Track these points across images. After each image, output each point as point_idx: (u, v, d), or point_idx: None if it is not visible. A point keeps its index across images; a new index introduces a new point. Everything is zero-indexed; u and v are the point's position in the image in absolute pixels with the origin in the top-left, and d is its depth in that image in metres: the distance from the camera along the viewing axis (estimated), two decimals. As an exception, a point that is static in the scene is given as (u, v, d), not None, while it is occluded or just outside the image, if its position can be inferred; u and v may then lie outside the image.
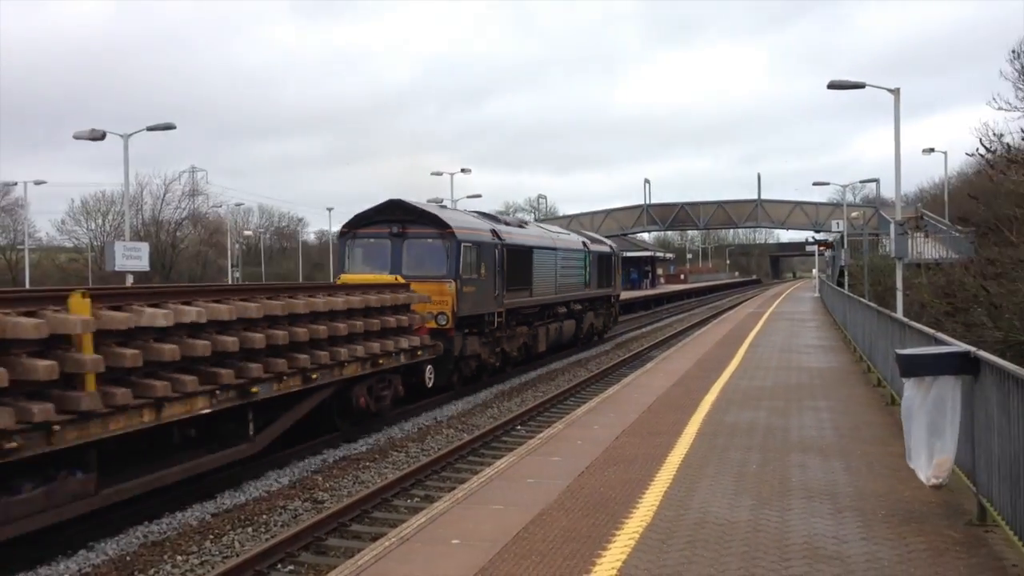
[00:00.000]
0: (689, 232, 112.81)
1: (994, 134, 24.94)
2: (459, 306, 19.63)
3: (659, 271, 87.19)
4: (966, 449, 7.34)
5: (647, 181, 68.13)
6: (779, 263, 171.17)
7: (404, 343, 16.32)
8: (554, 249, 27.28)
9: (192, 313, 10.43)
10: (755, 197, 66.02)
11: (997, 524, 6.45)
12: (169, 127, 29.68)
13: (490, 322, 21.51)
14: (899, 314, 16.31)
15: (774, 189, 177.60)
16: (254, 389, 11.71)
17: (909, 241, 26.38)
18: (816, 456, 9.59)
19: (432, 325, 18.70)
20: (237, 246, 77.13)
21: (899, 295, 20.25)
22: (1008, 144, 20.69)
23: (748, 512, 7.39)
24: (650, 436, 10.89)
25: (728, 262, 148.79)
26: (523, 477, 8.94)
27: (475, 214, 24.65)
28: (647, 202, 67.52)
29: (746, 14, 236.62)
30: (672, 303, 66.80)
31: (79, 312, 8.89)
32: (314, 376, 13.17)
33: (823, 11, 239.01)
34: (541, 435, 11.48)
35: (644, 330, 41.65)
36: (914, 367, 7.09)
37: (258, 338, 11.61)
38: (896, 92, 20.13)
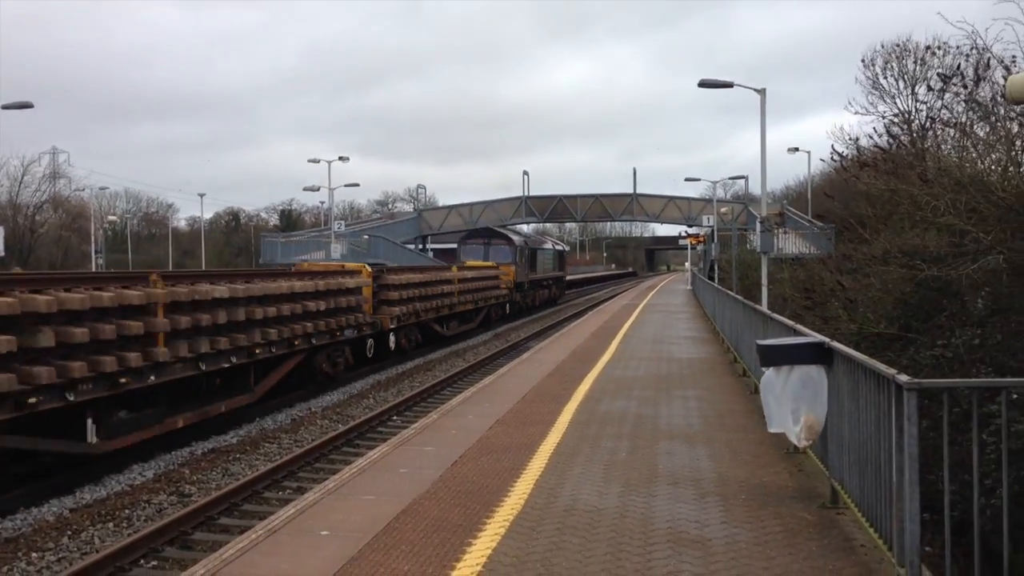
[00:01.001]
0: (567, 224, 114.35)
1: (850, 138, 26.21)
2: (516, 278, 41.10)
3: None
4: (820, 435, 7.70)
5: (526, 173, 68.54)
6: (654, 256, 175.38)
7: (499, 293, 37.73)
8: (543, 249, 52.30)
9: (469, 274, 33.97)
10: (631, 191, 67.28)
11: (847, 506, 6.79)
12: (26, 106, 28.23)
13: (523, 287, 43.40)
14: (764, 307, 16.94)
15: (653, 184, 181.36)
16: (480, 304, 33.80)
17: (774, 237, 27.42)
18: (683, 443, 9.88)
19: (504, 287, 38.30)
20: (101, 232, 73.85)
21: (764, 288, 21.06)
22: (857, 148, 21.77)
23: (616, 499, 7.56)
24: (524, 425, 11.01)
25: (605, 255, 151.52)
26: (396, 467, 8.91)
27: (512, 232, 48.65)
28: (526, 194, 67.95)
29: (634, 12, 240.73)
30: (550, 294, 67.59)
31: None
32: (485, 303, 34.87)
33: (708, 12, 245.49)
34: (416, 425, 11.45)
35: (521, 321, 42.03)
36: (773, 357, 7.39)
37: (477, 286, 33.76)
38: (762, 92, 20.86)
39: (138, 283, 12.98)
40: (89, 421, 11.67)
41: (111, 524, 10.29)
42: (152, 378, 12.69)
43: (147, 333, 12.46)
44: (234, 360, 15.11)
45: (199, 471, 12.64)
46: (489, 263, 39.72)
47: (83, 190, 79.78)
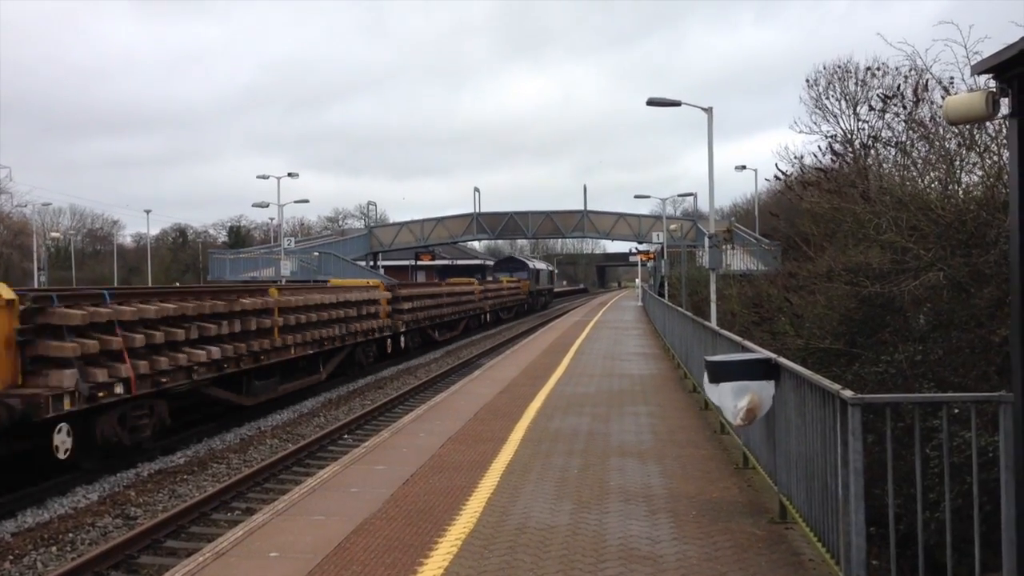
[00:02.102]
0: (519, 241, 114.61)
1: (794, 156, 26.68)
2: (531, 288, 66.97)
3: (489, 279, 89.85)
4: (768, 449, 7.80)
5: (477, 190, 68.70)
6: (605, 273, 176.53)
7: (519, 297, 60.90)
8: (542, 270, 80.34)
9: (509, 285, 60.75)
10: (582, 208, 67.72)
11: (796, 521, 6.88)
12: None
13: (532, 294, 68.73)
14: (713, 323, 17.12)
15: (607, 201, 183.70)
16: (514, 303, 58.62)
17: (723, 253, 27.77)
18: (634, 460, 9.94)
19: (523, 295, 61.99)
20: (44, 248, 72.32)
21: (713, 305, 21.27)
22: (801, 167, 22.18)
23: (568, 516, 7.58)
24: (476, 443, 10.99)
25: (556, 271, 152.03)
26: (347, 487, 8.84)
27: (527, 259, 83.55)
28: (477, 210, 68.07)
29: (593, 33, 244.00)
30: (501, 311, 67.90)
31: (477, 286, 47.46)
32: (515, 303, 59.58)
33: (664, 34, 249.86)
34: (367, 444, 11.37)
35: (473, 338, 41.99)
36: (721, 373, 7.47)
37: (511, 292, 58.30)
38: (709, 111, 21.11)
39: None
40: (402, 338, 30.73)
41: (54, 548, 10.05)
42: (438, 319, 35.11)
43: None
44: (440, 320, 35.83)
45: (145, 493, 12.41)
46: (515, 279, 64.35)
47: (25, 206, 78.21)
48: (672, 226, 47.90)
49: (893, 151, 17.69)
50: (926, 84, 15.43)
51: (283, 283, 42.54)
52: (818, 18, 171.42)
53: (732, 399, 7.36)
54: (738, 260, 40.23)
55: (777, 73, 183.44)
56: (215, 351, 15.76)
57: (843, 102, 32.09)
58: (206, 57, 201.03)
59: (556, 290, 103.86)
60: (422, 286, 37.42)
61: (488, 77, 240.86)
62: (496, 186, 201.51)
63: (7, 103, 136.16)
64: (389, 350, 28.96)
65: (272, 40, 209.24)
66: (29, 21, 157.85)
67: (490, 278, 65.76)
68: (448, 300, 37.45)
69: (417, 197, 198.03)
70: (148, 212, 77.81)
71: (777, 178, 21.07)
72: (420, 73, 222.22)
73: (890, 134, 19.60)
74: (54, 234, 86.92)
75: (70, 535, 10.48)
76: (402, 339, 30.75)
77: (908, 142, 16.05)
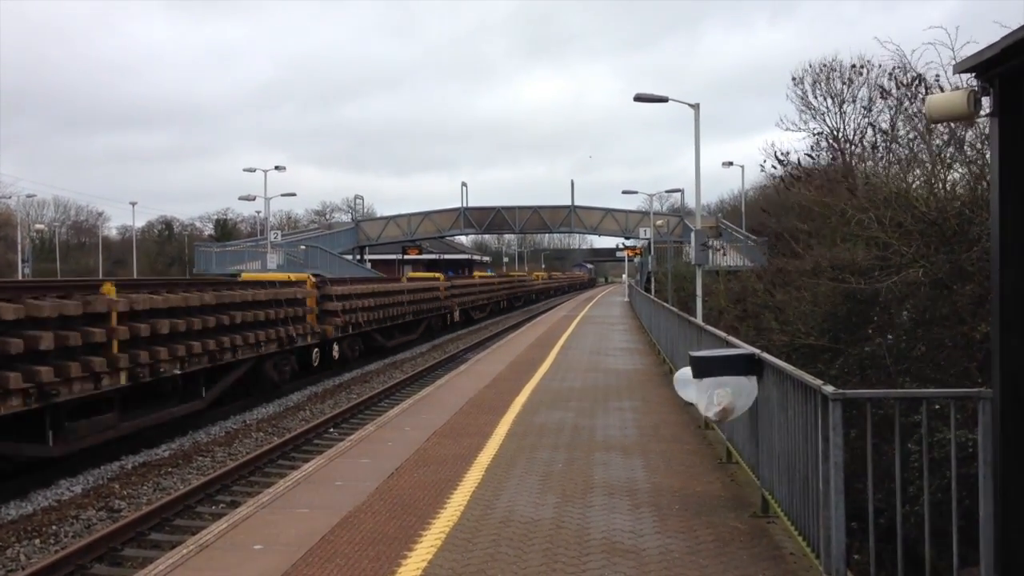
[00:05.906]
0: (506, 236, 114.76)
1: (781, 153, 26.76)
2: (588, 277, 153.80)
3: (476, 274, 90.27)
4: (751, 444, 7.85)
5: (464, 184, 68.66)
6: (593, 268, 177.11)
7: (583, 282, 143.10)
8: (589, 269, 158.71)
9: (575, 276, 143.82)
10: (570, 203, 67.68)
11: (777, 515, 6.92)
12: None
13: (589, 280, 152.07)
14: (699, 319, 17.18)
15: (605, 198, 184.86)
16: (579, 286, 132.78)
17: (710, 250, 27.82)
18: (619, 454, 9.97)
19: (585, 281, 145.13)
20: (28, 240, 71.84)
21: (699, 301, 21.32)
22: (797, 162, 22.29)
23: (552, 510, 7.61)
24: (461, 437, 11.01)
25: (544, 266, 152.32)
26: (331, 480, 8.84)
27: (587, 262, 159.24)
28: (464, 205, 67.95)
29: (608, 35, 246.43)
30: (488, 306, 68.17)
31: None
32: (581, 285, 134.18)
33: (681, 36, 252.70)
34: (352, 437, 11.37)
35: (459, 332, 42.00)
36: (706, 368, 7.51)
37: (579, 278, 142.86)
38: (696, 107, 21.15)
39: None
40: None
41: (37, 540, 10.03)
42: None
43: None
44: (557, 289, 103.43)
45: (129, 485, 12.39)
46: (580, 273, 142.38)
47: (9, 197, 77.65)
48: (659, 222, 47.96)
49: (880, 148, 17.79)
50: (920, 80, 15.49)
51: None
52: (832, 20, 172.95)
53: (708, 393, 7.39)
54: (722, 257, 40.31)
55: (787, 75, 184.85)
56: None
57: (829, 100, 32.19)
58: (231, 55, 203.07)
59: (592, 278, 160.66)
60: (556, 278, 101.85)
61: (504, 76, 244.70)
62: (497, 182, 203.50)
63: (26, 98, 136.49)
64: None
65: (297, 38, 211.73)
66: (62, 20, 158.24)
67: (575, 271, 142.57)
68: (567, 280, 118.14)
69: (420, 192, 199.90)
70: (134, 204, 77.42)
71: (773, 175, 21.17)
72: (439, 72, 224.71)
73: (873, 133, 19.72)
74: (39, 226, 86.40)
75: (53, 528, 10.46)
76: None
77: (899, 136, 16.14)
